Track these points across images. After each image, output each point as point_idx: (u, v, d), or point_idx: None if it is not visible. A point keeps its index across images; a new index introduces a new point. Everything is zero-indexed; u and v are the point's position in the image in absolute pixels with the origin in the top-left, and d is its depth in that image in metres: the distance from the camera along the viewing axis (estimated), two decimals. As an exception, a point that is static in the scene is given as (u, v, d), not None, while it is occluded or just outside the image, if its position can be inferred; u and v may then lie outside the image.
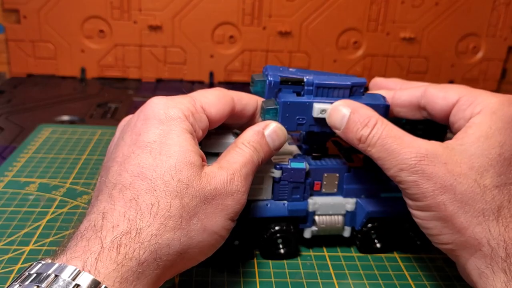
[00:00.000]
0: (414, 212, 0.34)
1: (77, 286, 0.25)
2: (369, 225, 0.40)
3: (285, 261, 0.40)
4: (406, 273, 0.40)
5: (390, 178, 0.34)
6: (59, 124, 0.65)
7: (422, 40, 0.84)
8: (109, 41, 0.81)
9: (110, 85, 0.82)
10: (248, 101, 0.38)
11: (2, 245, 0.40)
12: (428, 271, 0.40)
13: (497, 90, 0.88)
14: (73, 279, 0.25)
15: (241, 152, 0.34)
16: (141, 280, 0.28)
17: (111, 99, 0.76)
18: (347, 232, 0.41)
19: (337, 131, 0.36)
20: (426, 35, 0.83)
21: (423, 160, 0.32)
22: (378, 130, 0.34)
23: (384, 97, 0.38)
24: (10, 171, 0.51)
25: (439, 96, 0.36)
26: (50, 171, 0.52)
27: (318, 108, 0.36)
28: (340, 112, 0.36)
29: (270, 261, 0.40)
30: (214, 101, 0.36)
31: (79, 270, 0.26)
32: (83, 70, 0.83)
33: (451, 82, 0.86)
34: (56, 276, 0.25)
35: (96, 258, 0.26)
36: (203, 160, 0.33)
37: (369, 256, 0.41)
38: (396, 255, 0.42)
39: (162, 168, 0.30)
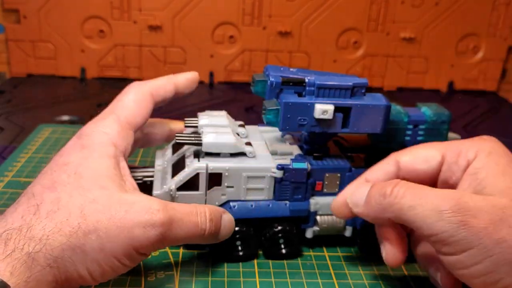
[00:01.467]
0: (472, 270, 0.28)
1: None
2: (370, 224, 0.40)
3: (285, 261, 0.40)
4: (406, 272, 0.40)
5: (427, 237, 0.30)
6: (59, 124, 0.65)
7: (422, 40, 0.84)
8: (109, 41, 0.81)
9: (110, 85, 0.82)
10: (165, 90, 0.40)
11: (2, 245, 0.40)
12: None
13: (497, 90, 0.88)
14: None
15: (193, 211, 0.34)
16: (34, 272, 0.27)
17: (111, 99, 0.75)
18: (348, 232, 0.41)
19: (357, 210, 0.34)
20: (426, 35, 0.83)
21: (462, 198, 0.29)
22: (403, 184, 0.31)
23: (385, 97, 0.38)
24: (10, 171, 0.51)
25: (418, 162, 0.35)
26: (50, 171, 0.52)
27: (320, 109, 0.36)
28: (361, 190, 0.34)
29: (270, 261, 0.40)
30: (135, 110, 0.38)
31: None
32: (83, 70, 0.83)
33: (451, 82, 0.86)
34: None
35: None
36: (119, 184, 0.33)
37: (369, 256, 0.41)
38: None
39: (72, 185, 0.31)
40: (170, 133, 0.44)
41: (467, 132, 0.69)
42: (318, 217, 0.40)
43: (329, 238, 0.42)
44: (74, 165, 0.33)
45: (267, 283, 0.38)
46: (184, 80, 0.41)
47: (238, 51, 0.83)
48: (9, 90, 0.77)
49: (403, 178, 0.34)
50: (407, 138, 0.42)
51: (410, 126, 0.41)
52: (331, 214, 0.40)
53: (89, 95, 0.77)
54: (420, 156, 0.35)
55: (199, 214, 0.34)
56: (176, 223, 0.32)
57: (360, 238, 0.41)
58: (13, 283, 0.26)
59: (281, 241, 0.40)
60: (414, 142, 0.41)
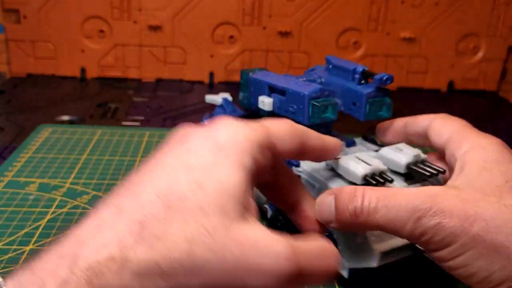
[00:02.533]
0: (451, 264, 0.29)
1: None
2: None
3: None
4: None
5: (409, 240, 0.30)
6: (59, 124, 0.65)
7: (422, 40, 0.84)
8: (109, 41, 0.81)
9: (110, 85, 0.82)
10: (316, 141, 0.32)
11: (2, 245, 0.40)
12: (429, 271, 0.40)
13: (497, 90, 0.88)
14: None
15: (323, 251, 0.27)
16: None
17: (111, 99, 0.76)
18: None
19: (332, 225, 0.32)
20: (426, 35, 0.83)
21: (436, 198, 0.29)
22: (371, 196, 0.30)
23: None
24: (10, 171, 0.51)
25: (436, 132, 0.38)
26: (50, 171, 0.52)
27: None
28: (326, 202, 0.32)
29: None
30: (286, 133, 0.30)
31: None
32: (83, 70, 0.83)
33: (451, 82, 0.86)
34: None
35: (59, 285, 0.21)
36: (244, 210, 0.25)
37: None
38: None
39: (189, 202, 0.24)
40: None
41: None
42: None
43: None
44: (200, 171, 0.25)
45: (267, 283, 0.38)
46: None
47: (238, 51, 0.83)
48: (9, 90, 0.77)
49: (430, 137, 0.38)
50: None
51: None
52: None
53: (89, 95, 0.77)
54: (439, 128, 0.38)
55: (330, 256, 0.27)
56: (303, 272, 0.25)
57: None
58: None
59: None
60: None
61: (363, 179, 0.34)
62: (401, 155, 0.37)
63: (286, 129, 0.30)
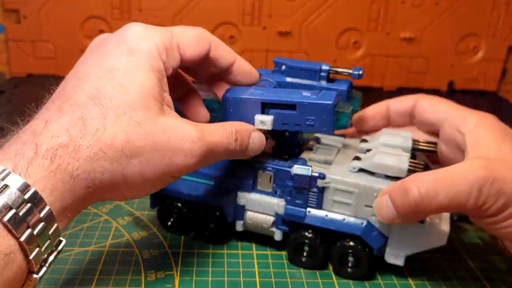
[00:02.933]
0: (504, 224, 0.33)
1: (6, 186, 0.25)
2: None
3: (285, 261, 0.40)
4: (406, 272, 0.40)
5: (470, 211, 0.33)
6: (59, 124, 0.65)
7: (422, 40, 0.84)
8: (109, 41, 0.81)
9: (110, 85, 0.81)
10: (224, 53, 0.38)
11: (2, 245, 0.40)
12: (429, 271, 0.40)
13: (497, 90, 0.88)
14: (2, 179, 0.25)
15: (223, 132, 0.34)
16: (71, 193, 0.28)
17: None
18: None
19: (397, 222, 0.35)
20: (426, 35, 0.83)
21: (488, 168, 0.32)
22: (426, 182, 0.33)
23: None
24: (10, 171, 0.51)
25: (428, 108, 0.41)
26: (50, 171, 0.52)
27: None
28: (383, 202, 0.35)
29: (270, 261, 0.40)
30: (192, 41, 0.35)
31: (9, 171, 0.26)
32: (83, 70, 0.83)
33: (451, 82, 0.86)
34: None
35: (28, 163, 0.27)
36: (168, 106, 0.32)
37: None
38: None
39: (118, 101, 0.30)
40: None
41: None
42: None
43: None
44: (120, 74, 0.31)
45: (267, 283, 0.38)
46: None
47: (238, 51, 0.81)
48: (9, 90, 0.77)
49: (414, 115, 0.43)
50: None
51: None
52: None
53: (89, 95, 0.77)
54: (433, 105, 0.41)
55: (227, 135, 0.34)
56: (212, 150, 0.32)
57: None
58: (50, 201, 0.27)
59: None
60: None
61: (408, 171, 0.36)
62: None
63: (193, 35, 0.35)
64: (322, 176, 0.37)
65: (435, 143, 0.41)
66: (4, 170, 0.26)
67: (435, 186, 0.33)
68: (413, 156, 0.40)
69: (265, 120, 0.37)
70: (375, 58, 0.84)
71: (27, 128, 0.29)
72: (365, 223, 0.37)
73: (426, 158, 0.43)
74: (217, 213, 0.41)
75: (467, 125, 0.37)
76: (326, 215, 0.38)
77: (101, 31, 0.80)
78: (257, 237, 0.42)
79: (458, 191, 0.32)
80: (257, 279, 0.38)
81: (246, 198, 0.40)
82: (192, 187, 0.41)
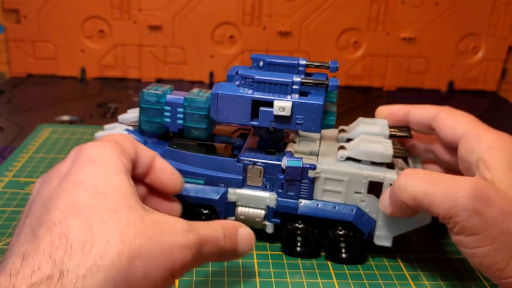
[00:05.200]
0: (474, 251, 0.32)
1: None
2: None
3: (285, 261, 0.41)
4: (406, 272, 0.40)
5: (442, 218, 0.33)
6: (59, 124, 0.65)
7: (422, 40, 0.84)
8: (109, 41, 0.81)
9: (110, 85, 0.82)
10: (146, 155, 0.35)
11: (2, 245, 0.40)
12: (428, 270, 0.40)
13: (497, 90, 0.88)
14: None
15: (210, 227, 0.31)
16: None
17: (111, 99, 0.76)
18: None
19: (388, 211, 0.37)
20: (426, 35, 0.83)
21: (477, 186, 0.31)
22: (410, 174, 0.35)
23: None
24: (10, 171, 0.51)
25: (448, 124, 0.39)
26: (50, 171, 0.52)
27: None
28: (385, 193, 0.37)
29: (270, 261, 0.40)
30: (126, 143, 0.34)
31: None
32: (83, 70, 0.83)
33: (451, 82, 0.86)
34: None
35: None
36: (140, 204, 0.30)
37: (369, 256, 0.41)
38: (396, 255, 0.42)
39: (99, 208, 0.27)
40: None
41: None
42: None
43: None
44: (91, 183, 0.28)
45: (267, 283, 0.38)
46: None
47: (238, 51, 0.83)
48: (9, 90, 0.77)
49: (433, 128, 0.41)
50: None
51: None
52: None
53: (89, 95, 0.77)
54: (451, 121, 0.39)
55: (214, 229, 0.31)
56: (204, 243, 0.30)
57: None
58: None
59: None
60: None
61: (393, 156, 0.38)
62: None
63: (126, 140, 0.34)
64: (313, 167, 0.38)
65: (408, 129, 0.43)
66: None
67: (417, 180, 0.34)
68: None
69: (285, 106, 0.37)
70: (375, 58, 0.84)
71: (1, 269, 0.25)
72: (355, 209, 0.39)
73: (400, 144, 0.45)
74: (208, 211, 0.41)
75: (482, 147, 0.36)
76: (318, 204, 0.40)
77: (101, 31, 0.80)
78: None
79: (435, 191, 0.33)
80: (257, 279, 0.38)
81: (237, 194, 0.40)
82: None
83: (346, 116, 0.72)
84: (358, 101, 0.80)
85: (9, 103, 0.72)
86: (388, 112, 0.44)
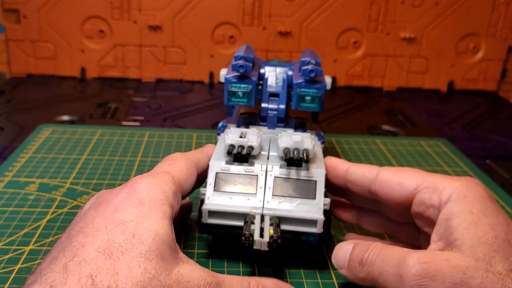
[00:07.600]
0: None
1: None
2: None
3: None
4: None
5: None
6: (59, 124, 0.65)
7: (422, 40, 0.84)
8: (109, 41, 0.81)
9: (110, 85, 0.82)
10: (204, 163, 0.38)
11: (2, 245, 0.40)
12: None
13: (497, 90, 0.88)
14: None
15: (244, 282, 0.31)
16: None
17: (111, 99, 0.76)
18: None
19: (342, 272, 0.34)
20: (426, 35, 0.83)
21: (425, 259, 0.30)
22: (374, 250, 0.32)
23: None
24: (10, 171, 0.51)
25: (394, 182, 0.35)
26: (50, 171, 0.52)
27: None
28: (344, 249, 0.34)
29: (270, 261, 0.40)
30: (187, 175, 0.36)
31: None
32: (83, 70, 0.83)
33: (451, 82, 0.86)
34: None
35: None
36: (175, 252, 0.30)
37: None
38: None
39: (131, 253, 0.28)
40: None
41: (467, 132, 0.69)
42: None
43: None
44: (133, 225, 0.29)
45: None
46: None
47: (238, 51, 0.83)
48: (9, 90, 0.77)
49: (374, 191, 0.36)
50: None
51: None
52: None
53: (89, 95, 0.77)
54: (397, 177, 0.35)
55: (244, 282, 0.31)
56: None
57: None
58: None
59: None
60: None
61: (230, 145, 0.37)
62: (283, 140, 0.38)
63: (184, 166, 0.36)
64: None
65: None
66: None
67: (378, 255, 0.32)
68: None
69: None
70: (375, 58, 0.85)
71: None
72: None
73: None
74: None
75: (440, 199, 0.32)
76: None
77: (101, 31, 0.80)
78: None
79: (386, 269, 0.31)
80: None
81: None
82: None
83: (346, 116, 0.72)
84: (358, 101, 0.80)
85: (9, 103, 0.72)
86: (330, 164, 0.39)
